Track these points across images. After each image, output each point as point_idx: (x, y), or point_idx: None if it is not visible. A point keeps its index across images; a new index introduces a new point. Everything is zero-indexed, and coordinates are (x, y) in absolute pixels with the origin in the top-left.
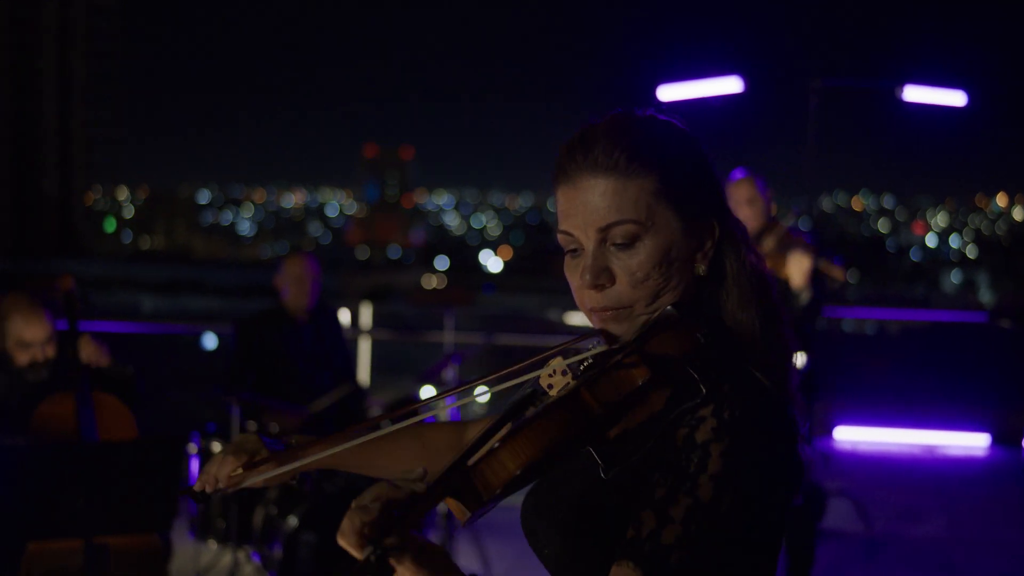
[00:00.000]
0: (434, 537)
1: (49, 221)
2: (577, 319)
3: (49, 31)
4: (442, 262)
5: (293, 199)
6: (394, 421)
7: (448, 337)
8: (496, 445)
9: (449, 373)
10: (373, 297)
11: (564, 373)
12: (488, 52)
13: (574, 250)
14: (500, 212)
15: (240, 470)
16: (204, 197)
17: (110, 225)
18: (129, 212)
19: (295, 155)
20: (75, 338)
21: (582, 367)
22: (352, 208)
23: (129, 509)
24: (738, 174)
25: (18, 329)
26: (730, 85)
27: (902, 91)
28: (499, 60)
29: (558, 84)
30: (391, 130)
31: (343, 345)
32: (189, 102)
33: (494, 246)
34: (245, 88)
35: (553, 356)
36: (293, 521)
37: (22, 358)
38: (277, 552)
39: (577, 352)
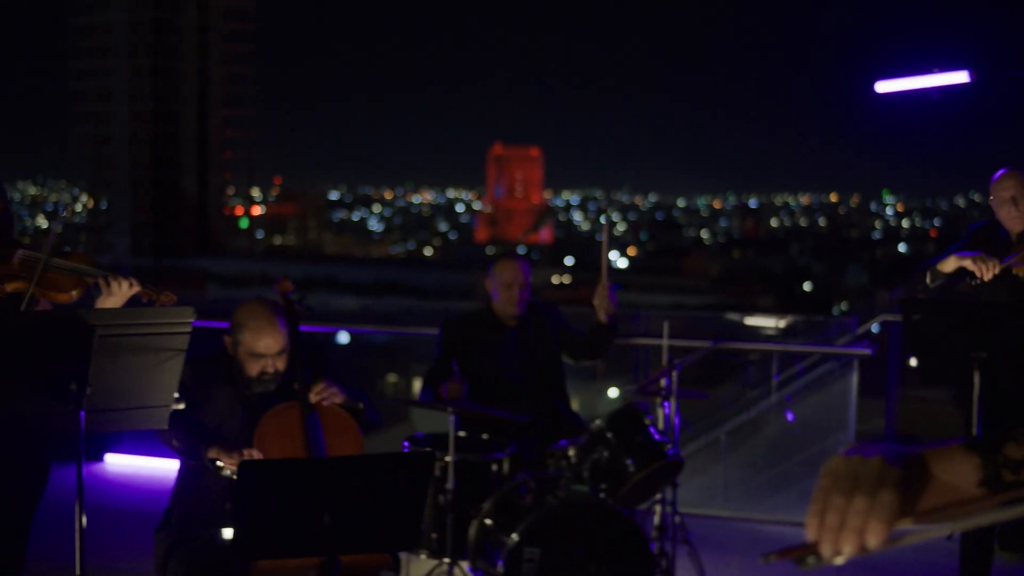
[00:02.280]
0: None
1: (187, 220)
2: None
3: (188, 35)
4: (569, 260)
5: (422, 198)
6: None
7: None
8: None
9: (665, 382)
10: None
11: None
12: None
13: None
14: (628, 210)
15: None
16: (334, 196)
17: (244, 223)
18: (263, 211)
19: (423, 156)
20: (299, 345)
21: None
22: (480, 206)
23: (377, 527)
24: (1001, 171)
25: (252, 340)
26: (957, 77)
27: None
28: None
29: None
30: (519, 130)
31: (566, 339)
32: (320, 104)
33: (621, 244)
34: (373, 90)
35: None
36: (515, 536)
37: (253, 368)
38: (500, 568)
39: None
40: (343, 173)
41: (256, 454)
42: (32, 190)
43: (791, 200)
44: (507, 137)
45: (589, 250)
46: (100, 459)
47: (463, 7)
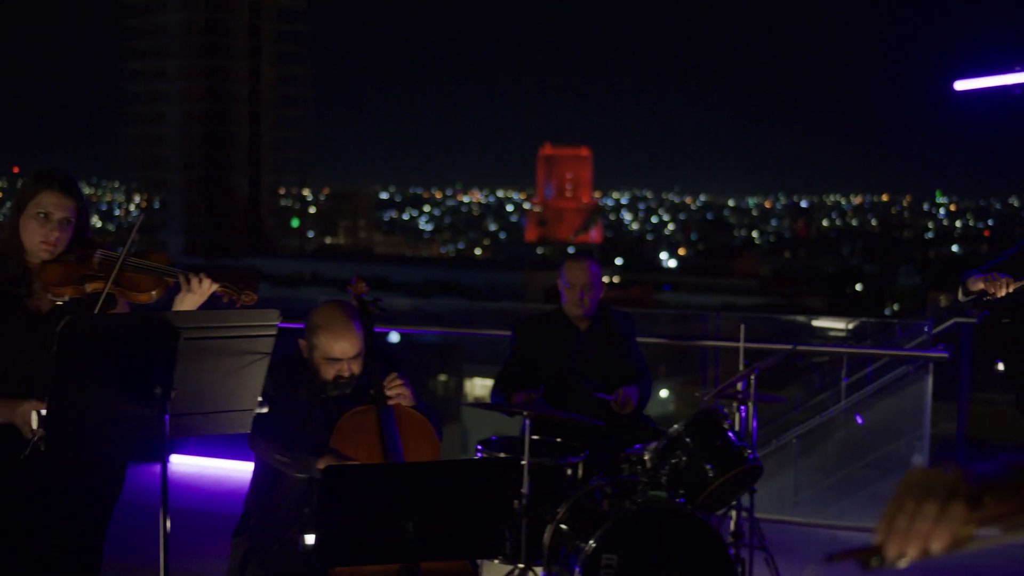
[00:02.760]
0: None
1: (239, 220)
2: (829, 323)
3: (240, 36)
4: (618, 260)
5: (471, 197)
6: None
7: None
8: None
9: (741, 385)
10: (553, 295)
11: None
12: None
13: None
14: (678, 209)
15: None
16: (385, 196)
17: (295, 223)
18: (312, 210)
19: (473, 156)
20: (374, 347)
21: None
22: (529, 206)
23: (460, 533)
24: None
25: (328, 344)
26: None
27: None
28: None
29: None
30: (568, 130)
31: (629, 353)
32: (371, 104)
33: (671, 244)
34: (424, 91)
35: None
36: (593, 542)
37: (328, 372)
38: (576, 574)
39: None
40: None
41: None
42: (86, 190)
43: (842, 200)
44: (557, 137)
45: (638, 250)
46: (163, 460)
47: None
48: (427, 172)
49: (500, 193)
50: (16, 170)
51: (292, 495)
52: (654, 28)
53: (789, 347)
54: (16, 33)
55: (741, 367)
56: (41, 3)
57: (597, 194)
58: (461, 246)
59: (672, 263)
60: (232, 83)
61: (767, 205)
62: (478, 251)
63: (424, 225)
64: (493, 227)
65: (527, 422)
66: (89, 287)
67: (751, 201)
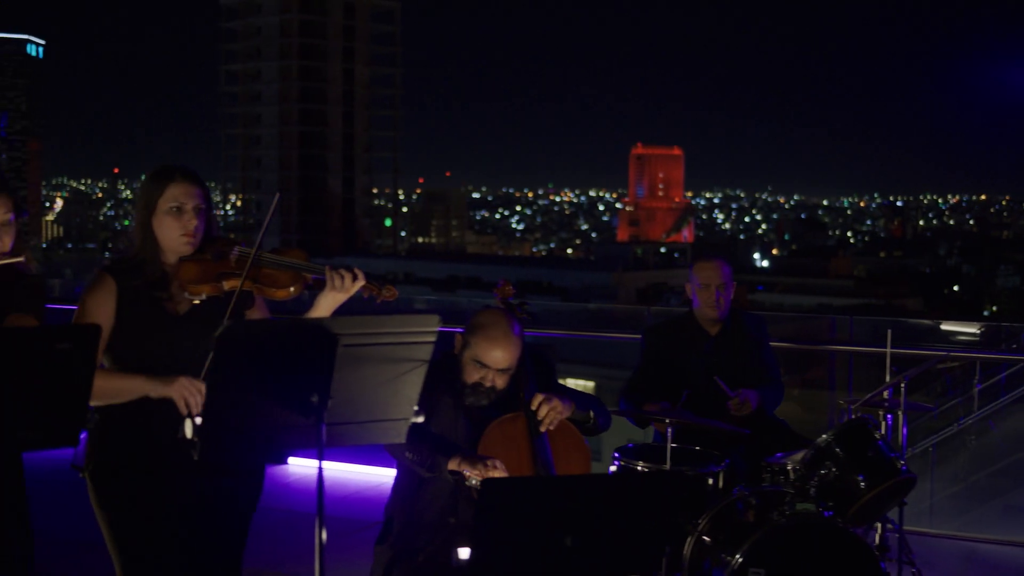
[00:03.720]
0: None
1: (334, 219)
2: (956, 327)
3: (335, 37)
4: None
5: (563, 197)
6: None
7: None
8: None
9: (888, 393)
10: (647, 295)
11: None
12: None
13: None
14: (770, 209)
15: None
16: (477, 195)
17: (388, 222)
18: (405, 210)
19: (565, 156)
20: (524, 354)
21: None
22: (621, 206)
23: (620, 549)
24: None
25: (483, 349)
26: None
27: None
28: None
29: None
30: (660, 130)
31: (763, 359)
32: (463, 104)
33: (764, 244)
34: (516, 91)
35: None
36: (739, 556)
37: (472, 375)
38: None
39: None
40: (485, 173)
41: (499, 465)
42: None
43: (938, 199)
44: (649, 137)
45: (731, 250)
46: (284, 462)
47: (609, 9)
48: (519, 172)
49: (592, 193)
50: (116, 171)
51: (436, 504)
52: (747, 27)
53: (942, 353)
54: (115, 36)
55: (888, 374)
56: (140, 6)
57: (689, 194)
58: (553, 246)
59: (765, 263)
60: (326, 84)
61: (862, 204)
62: (570, 251)
63: (516, 224)
64: (585, 226)
65: (670, 430)
66: (227, 284)
67: (845, 201)
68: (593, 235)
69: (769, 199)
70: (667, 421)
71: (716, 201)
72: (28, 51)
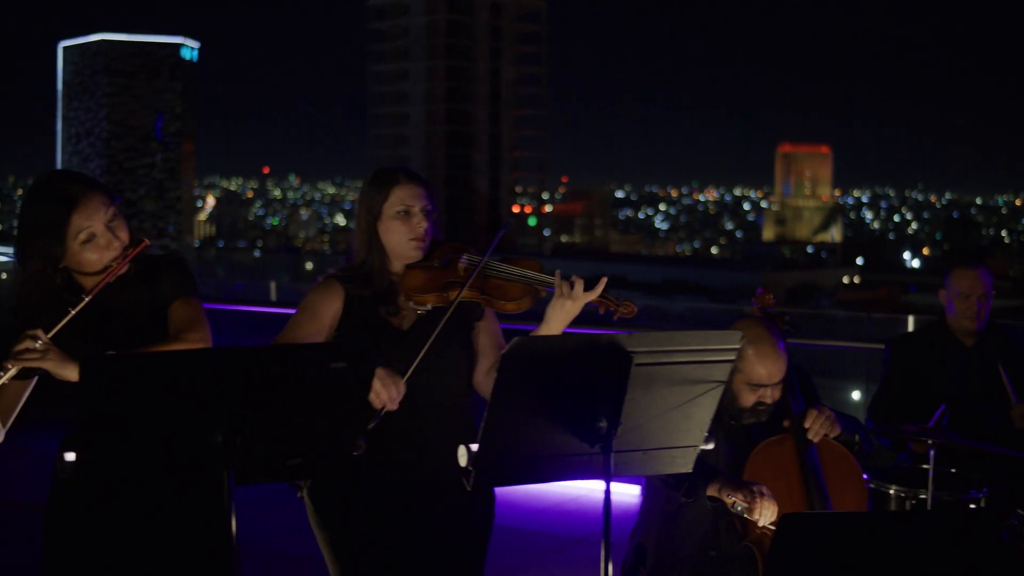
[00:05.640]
0: None
1: (480, 218)
2: None
3: (481, 37)
4: (859, 260)
5: (708, 196)
6: None
7: None
8: None
9: None
10: (797, 295)
11: None
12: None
13: None
14: (921, 208)
15: None
16: (620, 194)
17: (532, 221)
18: (550, 209)
19: (709, 154)
20: (789, 369)
21: None
22: (767, 204)
23: None
24: None
25: (753, 367)
26: None
27: None
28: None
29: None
30: (805, 128)
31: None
32: (607, 103)
33: (915, 243)
34: (659, 89)
35: None
36: None
37: (747, 399)
38: None
39: None
40: (629, 171)
41: (767, 492)
42: (331, 189)
43: None
44: (794, 135)
45: (880, 250)
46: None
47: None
48: (663, 170)
49: (737, 191)
50: (266, 170)
51: (695, 535)
52: (898, 22)
53: None
54: (264, 37)
55: None
56: (289, 8)
57: (837, 192)
58: (697, 245)
59: (916, 263)
60: (473, 84)
61: (1017, 203)
62: (714, 250)
63: (660, 224)
64: (730, 226)
65: (932, 452)
66: (453, 294)
67: (1000, 199)
68: (738, 234)
69: (920, 197)
70: (928, 442)
71: (864, 200)
72: (182, 54)
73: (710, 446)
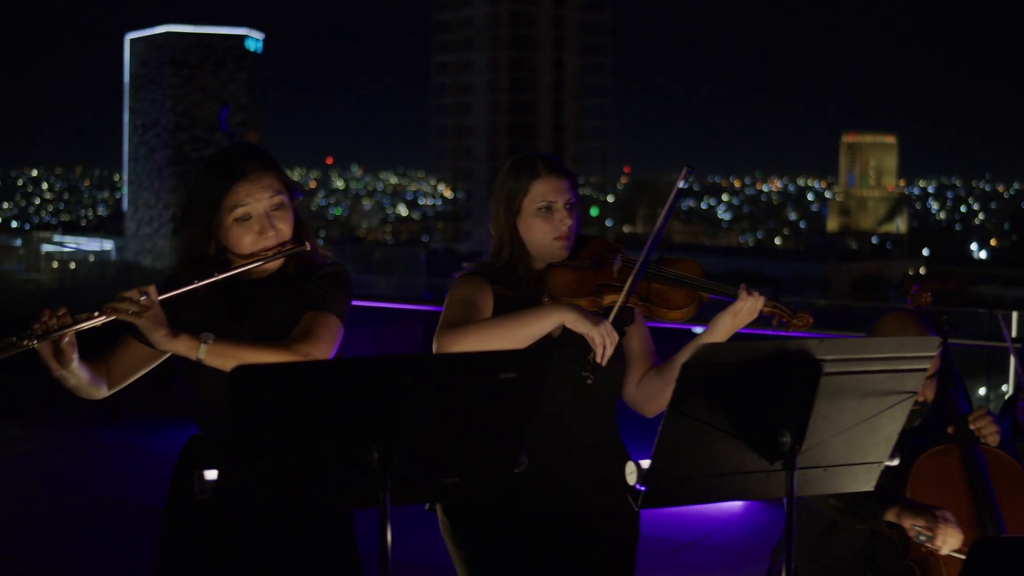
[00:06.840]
0: None
1: None
2: None
3: (545, 27)
4: (925, 251)
5: (771, 186)
6: None
7: None
8: None
9: None
10: (863, 287)
11: None
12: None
13: None
14: (988, 198)
15: None
16: (683, 184)
17: (594, 211)
18: (612, 199)
19: (772, 144)
20: (950, 372)
21: None
22: (831, 195)
23: None
24: None
25: None
26: None
27: None
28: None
29: None
30: (870, 117)
31: None
32: (670, 93)
33: (982, 234)
34: (723, 79)
35: None
36: None
37: None
38: None
39: None
40: (692, 161)
41: (950, 518)
42: (393, 179)
43: None
44: (859, 124)
45: (947, 241)
46: None
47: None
48: (726, 160)
49: (800, 182)
50: (329, 161)
51: (851, 552)
52: (963, 10)
53: None
54: (328, 28)
55: None
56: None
57: (902, 182)
58: (760, 235)
59: (983, 254)
60: (536, 74)
61: None
62: (778, 240)
63: (723, 214)
64: (793, 216)
65: None
66: (607, 299)
67: None
68: (801, 225)
69: (987, 187)
70: None
71: (931, 190)
72: (247, 46)
73: (895, 462)
